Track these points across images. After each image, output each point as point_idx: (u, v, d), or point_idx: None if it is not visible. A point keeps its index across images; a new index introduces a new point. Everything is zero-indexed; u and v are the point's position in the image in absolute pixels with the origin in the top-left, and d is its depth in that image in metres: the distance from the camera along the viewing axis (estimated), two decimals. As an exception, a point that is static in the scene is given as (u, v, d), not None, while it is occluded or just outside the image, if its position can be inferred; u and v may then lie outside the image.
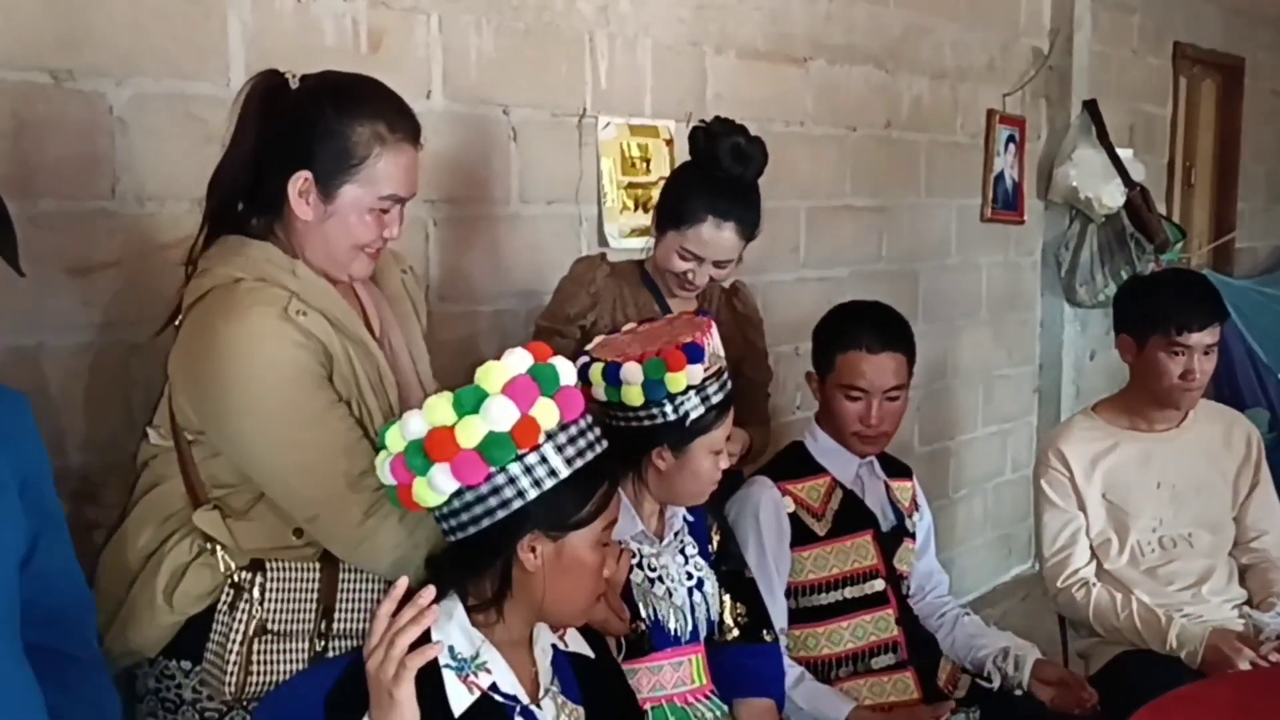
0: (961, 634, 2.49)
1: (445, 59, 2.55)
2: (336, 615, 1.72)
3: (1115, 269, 4.47)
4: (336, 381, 1.66)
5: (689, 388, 1.90)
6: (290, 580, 1.69)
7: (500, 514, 1.45)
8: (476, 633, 1.50)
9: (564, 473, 1.46)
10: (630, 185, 2.96)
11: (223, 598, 1.68)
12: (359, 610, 1.73)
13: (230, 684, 1.65)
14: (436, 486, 1.42)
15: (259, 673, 1.66)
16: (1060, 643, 2.76)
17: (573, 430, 1.48)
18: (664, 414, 1.92)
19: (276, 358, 1.60)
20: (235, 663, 1.65)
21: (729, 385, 2.00)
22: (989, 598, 4.44)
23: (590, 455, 1.50)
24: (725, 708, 2.07)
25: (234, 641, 1.65)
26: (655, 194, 3.03)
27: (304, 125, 1.66)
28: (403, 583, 1.38)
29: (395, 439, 1.45)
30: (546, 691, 1.56)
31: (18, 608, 1.41)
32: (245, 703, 1.69)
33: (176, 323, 1.72)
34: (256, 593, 1.66)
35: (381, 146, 1.67)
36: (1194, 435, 2.67)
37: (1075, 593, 2.57)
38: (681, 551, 2.11)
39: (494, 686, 1.48)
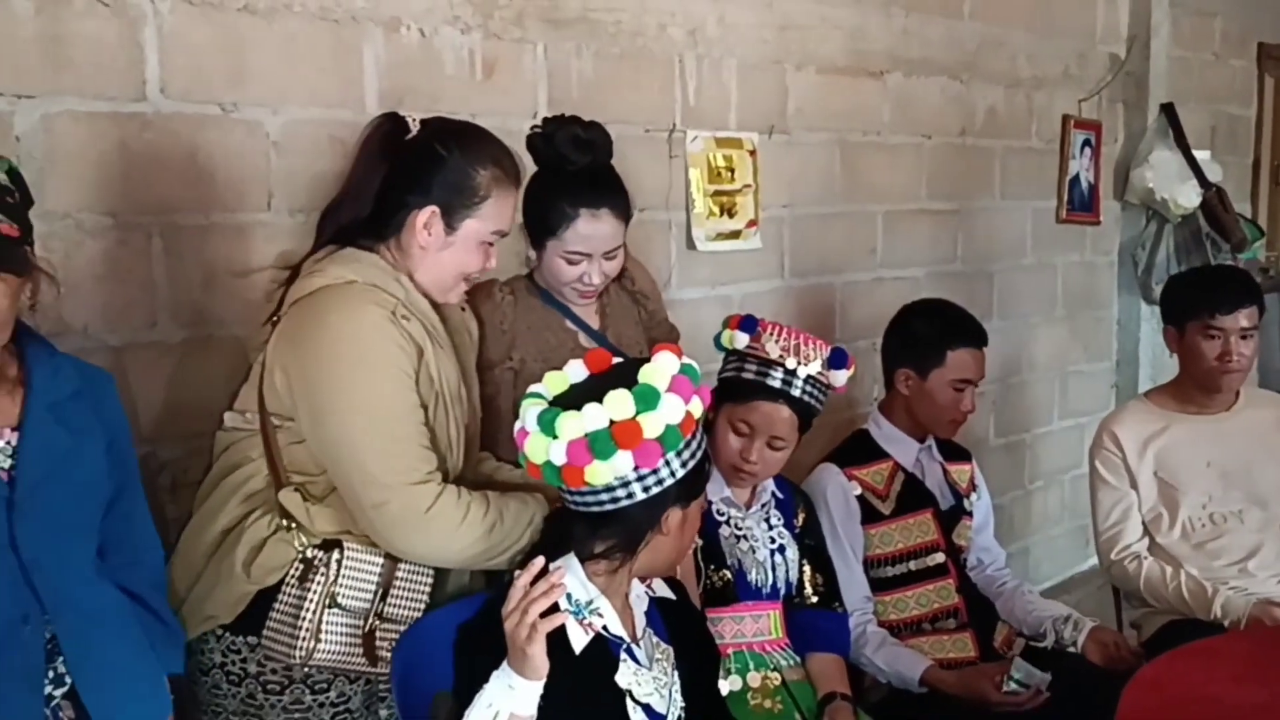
0: (1021, 601, 2.70)
1: (550, 83, 2.84)
2: (390, 599, 1.87)
3: (1191, 268, 4.58)
4: (422, 383, 1.83)
5: (734, 351, 2.25)
6: (361, 561, 1.85)
7: (655, 490, 1.69)
8: (591, 584, 1.75)
9: (699, 455, 1.74)
10: (716, 193, 3.22)
11: (291, 571, 1.83)
12: (408, 598, 1.90)
13: (301, 649, 1.80)
14: (617, 469, 1.65)
15: (327, 641, 1.81)
16: (1115, 612, 2.95)
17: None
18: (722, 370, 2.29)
19: (381, 353, 1.78)
20: (308, 630, 1.80)
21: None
22: (1066, 585, 4.59)
23: (706, 437, 1.79)
24: (798, 659, 2.33)
25: (308, 610, 1.80)
26: (739, 200, 3.32)
27: (432, 164, 1.88)
28: (539, 561, 1.61)
29: (572, 427, 1.64)
30: (643, 633, 1.82)
31: (96, 537, 1.75)
32: (308, 670, 1.84)
33: (276, 317, 1.88)
34: (333, 568, 1.82)
35: (498, 188, 1.91)
36: (1244, 418, 2.83)
37: (1127, 565, 2.76)
38: (766, 520, 2.38)
39: (605, 629, 1.75)
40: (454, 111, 2.58)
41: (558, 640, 1.64)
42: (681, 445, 1.69)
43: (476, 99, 2.67)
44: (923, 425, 2.67)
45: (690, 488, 1.75)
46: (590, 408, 1.64)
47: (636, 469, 1.66)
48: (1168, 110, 4.67)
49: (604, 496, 1.70)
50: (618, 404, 1.64)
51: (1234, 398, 2.83)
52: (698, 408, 1.70)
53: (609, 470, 1.65)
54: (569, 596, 1.72)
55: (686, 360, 1.72)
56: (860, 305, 3.70)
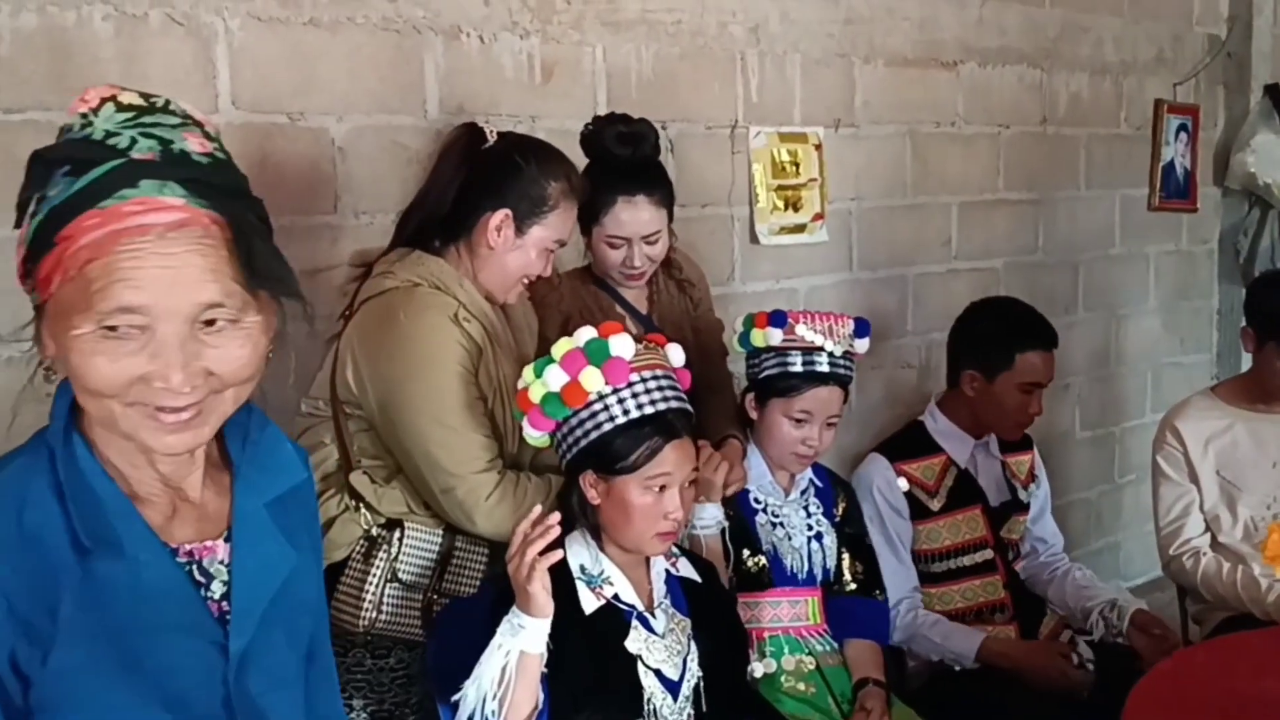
0: (1072, 585, 2.69)
1: (609, 84, 2.91)
2: (447, 575, 2.01)
3: (1284, 268, 4.42)
4: (481, 378, 1.97)
5: (770, 349, 2.27)
6: (422, 540, 2.00)
7: (569, 455, 1.85)
8: (601, 554, 1.87)
9: (607, 428, 1.80)
10: (780, 187, 3.26)
11: (357, 548, 1.98)
12: (464, 573, 2.04)
13: (365, 620, 1.95)
14: (528, 433, 1.86)
15: (387, 613, 1.96)
16: (1179, 608, 2.90)
17: (624, 393, 1.81)
18: (750, 367, 2.34)
19: (444, 352, 1.93)
20: (372, 603, 1.95)
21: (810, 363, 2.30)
22: (1159, 583, 4.44)
23: (636, 414, 1.79)
24: (836, 645, 2.38)
25: (371, 585, 1.95)
26: (804, 194, 3.35)
27: (510, 172, 2.02)
28: (537, 509, 1.73)
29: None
30: (659, 604, 1.91)
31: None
32: (370, 637, 1.98)
33: (350, 312, 2.03)
34: (395, 546, 1.97)
35: (565, 200, 2.06)
36: (1316, 419, 2.75)
37: (1185, 561, 2.72)
38: (805, 508, 2.43)
39: (616, 596, 1.85)
40: (514, 115, 2.71)
41: (570, 603, 1.77)
42: (569, 414, 1.81)
43: (536, 103, 2.76)
44: (986, 426, 2.67)
45: (603, 459, 1.82)
46: (525, 372, 1.86)
47: (552, 433, 1.84)
48: (1272, 92, 4.51)
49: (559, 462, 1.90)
50: (525, 373, 1.84)
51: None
52: (593, 381, 1.78)
53: (530, 435, 1.87)
54: (582, 568, 1.85)
55: (609, 338, 1.79)
56: (934, 297, 3.69)
